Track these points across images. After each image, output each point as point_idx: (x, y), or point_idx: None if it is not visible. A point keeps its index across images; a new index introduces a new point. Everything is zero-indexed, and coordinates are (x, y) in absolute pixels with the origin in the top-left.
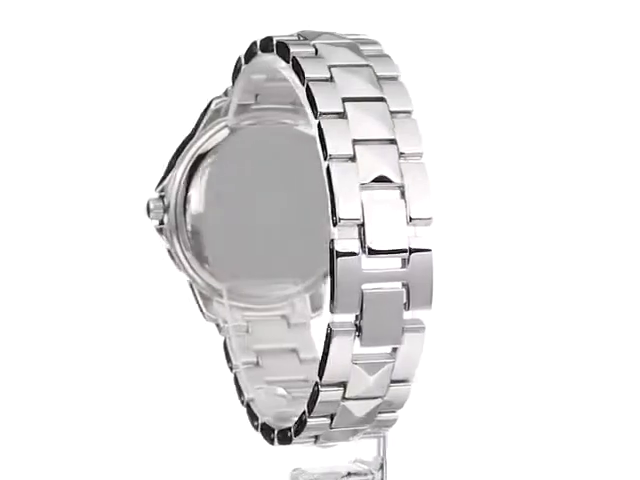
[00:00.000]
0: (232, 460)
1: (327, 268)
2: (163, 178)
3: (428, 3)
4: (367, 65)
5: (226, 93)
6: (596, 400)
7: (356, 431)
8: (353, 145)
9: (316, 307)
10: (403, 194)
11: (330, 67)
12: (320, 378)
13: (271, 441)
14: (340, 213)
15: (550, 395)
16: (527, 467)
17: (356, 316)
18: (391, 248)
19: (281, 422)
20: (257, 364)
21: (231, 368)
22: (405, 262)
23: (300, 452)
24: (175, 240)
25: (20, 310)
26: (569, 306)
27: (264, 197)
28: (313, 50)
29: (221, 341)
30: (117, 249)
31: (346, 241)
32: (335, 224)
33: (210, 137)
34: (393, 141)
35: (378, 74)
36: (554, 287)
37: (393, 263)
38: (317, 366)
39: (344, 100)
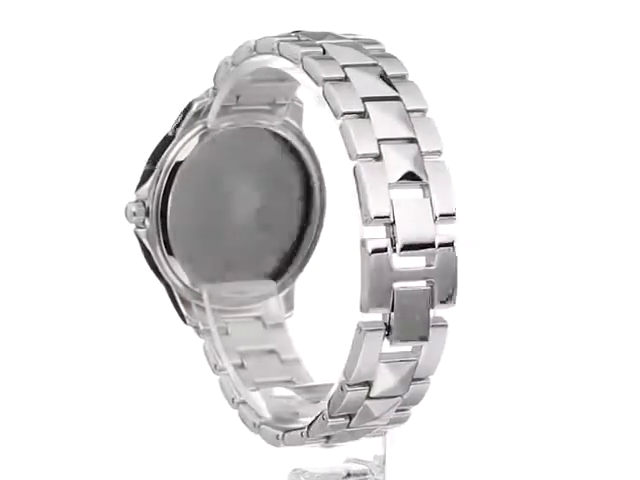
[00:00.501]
0: (229, 461)
1: (297, 266)
2: (143, 181)
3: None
4: (376, 64)
5: (207, 94)
6: (599, 401)
7: (369, 430)
8: (378, 144)
9: (289, 307)
10: (428, 192)
11: (343, 67)
12: (348, 378)
13: (276, 442)
14: (372, 212)
15: (550, 395)
16: (527, 467)
17: (383, 314)
18: (420, 246)
19: (281, 423)
20: (242, 366)
21: (215, 371)
22: (432, 260)
23: (296, 452)
24: (156, 244)
25: None
26: (576, 305)
27: (239, 198)
28: (321, 50)
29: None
30: (92, 252)
31: (377, 240)
32: (366, 223)
33: (190, 139)
34: (414, 140)
35: (388, 73)
36: (556, 287)
37: (421, 261)
38: (299, 367)
39: (363, 100)
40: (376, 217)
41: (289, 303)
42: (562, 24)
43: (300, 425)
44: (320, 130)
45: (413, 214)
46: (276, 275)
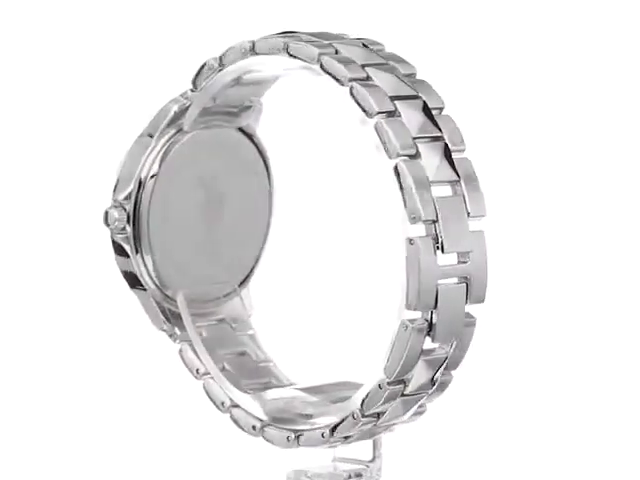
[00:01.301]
0: (227, 463)
1: (254, 262)
2: (121, 186)
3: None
4: (387, 64)
5: (184, 96)
6: (598, 401)
7: (388, 427)
8: (415, 143)
9: (250, 307)
10: (460, 189)
11: (363, 66)
12: (389, 375)
13: (286, 444)
14: (420, 211)
15: (546, 398)
16: (527, 467)
17: (426, 312)
18: (460, 244)
19: (285, 424)
20: (224, 369)
21: (197, 376)
22: (466, 256)
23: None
24: (137, 249)
25: None
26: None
27: (208, 200)
28: (334, 50)
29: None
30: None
31: (424, 238)
32: (413, 221)
33: (169, 143)
34: (441, 138)
35: (402, 72)
36: (557, 287)
37: (459, 258)
38: (273, 367)
39: (392, 99)
40: (423, 216)
41: (250, 303)
42: (561, 24)
43: (315, 426)
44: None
45: (452, 212)
46: (238, 273)
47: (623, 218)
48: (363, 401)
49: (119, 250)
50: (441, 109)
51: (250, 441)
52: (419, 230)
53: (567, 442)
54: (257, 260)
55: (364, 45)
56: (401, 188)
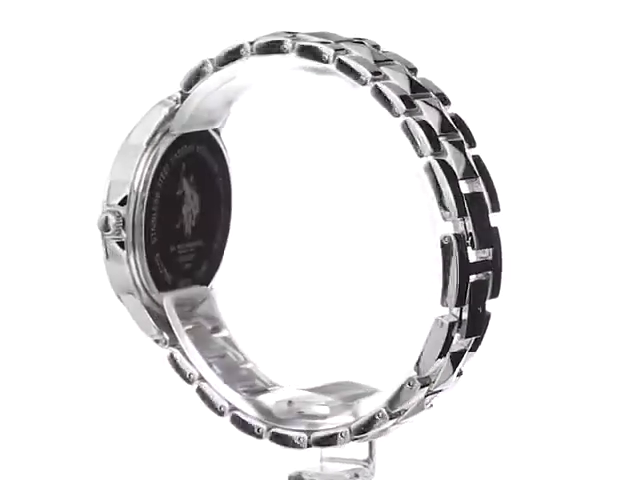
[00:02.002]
0: (228, 465)
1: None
2: (114, 191)
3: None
4: (393, 61)
5: (173, 99)
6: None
7: (401, 425)
8: (440, 141)
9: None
10: (478, 185)
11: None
12: (422, 372)
13: (297, 445)
14: (454, 208)
15: (552, 396)
16: (525, 468)
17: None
18: (486, 239)
19: (292, 425)
20: (218, 373)
21: (190, 380)
22: (489, 253)
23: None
24: (132, 255)
25: None
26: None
27: (187, 204)
28: (344, 50)
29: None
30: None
31: (458, 235)
32: (447, 219)
33: (164, 148)
34: (457, 134)
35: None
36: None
37: (485, 254)
38: (253, 367)
39: (413, 97)
40: (456, 213)
41: (219, 304)
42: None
43: (330, 426)
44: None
45: (477, 208)
46: (207, 279)
47: (623, 218)
48: (391, 399)
49: (113, 255)
50: (449, 104)
51: (244, 445)
52: (452, 227)
53: (567, 442)
54: (221, 257)
55: (363, 44)
56: (436, 185)
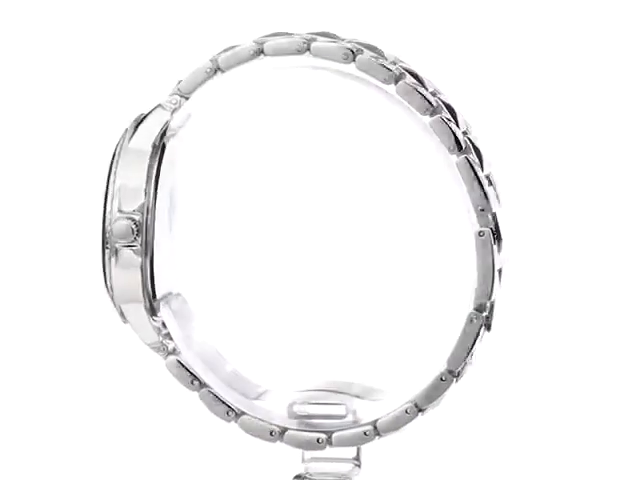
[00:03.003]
0: (230, 468)
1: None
2: (127, 197)
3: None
4: (395, 62)
5: (173, 102)
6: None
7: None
8: (466, 138)
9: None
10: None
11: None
12: (454, 367)
13: (316, 446)
14: (490, 204)
15: (552, 398)
16: (523, 468)
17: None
18: (505, 232)
19: (308, 426)
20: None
21: (192, 387)
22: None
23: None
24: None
25: None
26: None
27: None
28: (355, 50)
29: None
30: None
31: (489, 230)
32: (481, 214)
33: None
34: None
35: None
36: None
37: (502, 247)
38: (235, 369)
39: (432, 95)
40: (491, 208)
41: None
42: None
43: (351, 425)
44: None
45: (496, 202)
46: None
47: (623, 218)
48: (422, 394)
49: (125, 263)
50: None
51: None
52: (487, 223)
53: (567, 442)
54: None
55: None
56: (475, 180)
